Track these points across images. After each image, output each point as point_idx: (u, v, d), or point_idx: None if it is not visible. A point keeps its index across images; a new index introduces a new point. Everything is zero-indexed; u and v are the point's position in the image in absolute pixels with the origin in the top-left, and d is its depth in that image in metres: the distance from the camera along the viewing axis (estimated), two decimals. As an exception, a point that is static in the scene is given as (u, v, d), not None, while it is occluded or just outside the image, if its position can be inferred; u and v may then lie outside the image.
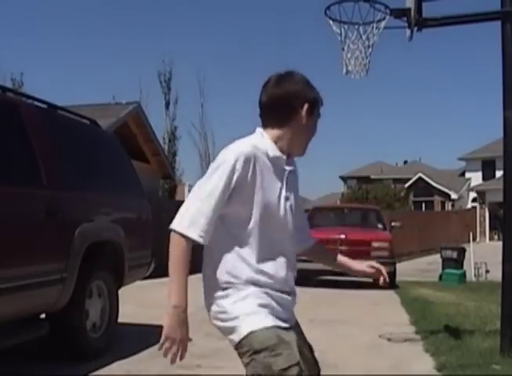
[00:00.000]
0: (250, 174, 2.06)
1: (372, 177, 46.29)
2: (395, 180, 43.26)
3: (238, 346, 2.09)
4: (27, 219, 4.34)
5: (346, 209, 15.27)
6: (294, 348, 2.05)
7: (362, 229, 12.77)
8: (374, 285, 12.49)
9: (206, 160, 30.54)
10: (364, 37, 5.54)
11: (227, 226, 2.10)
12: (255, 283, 2.10)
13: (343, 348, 5.84)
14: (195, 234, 2.02)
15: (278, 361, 2.00)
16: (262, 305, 2.09)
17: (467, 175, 43.21)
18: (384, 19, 5.51)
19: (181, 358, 2.24)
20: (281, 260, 2.17)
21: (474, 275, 14.58)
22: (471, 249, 15.96)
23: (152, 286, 10.17)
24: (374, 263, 2.48)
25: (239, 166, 2.04)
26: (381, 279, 2.44)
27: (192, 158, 39.21)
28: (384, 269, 2.47)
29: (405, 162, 52.90)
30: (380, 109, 77.76)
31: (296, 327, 2.25)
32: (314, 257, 2.63)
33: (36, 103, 5.10)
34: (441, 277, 13.93)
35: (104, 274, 5.27)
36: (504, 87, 5.32)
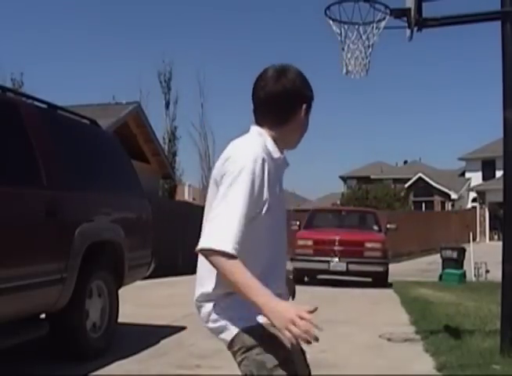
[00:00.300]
0: (265, 177, 1.98)
1: (372, 177, 46.29)
2: (395, 180, 43.26)
3: (230, 345, 2.05)
4: (27, 219, 4.34)
5: (344, 211, 15.74)
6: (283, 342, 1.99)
7: (357, 231, 13.28)
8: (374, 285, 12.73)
9: (206, 160, 30.57)
10: (364, 37, 5.54)
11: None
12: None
13: (343, 348, 5.84)
14: (232, 249, 1.87)
15: (271, 357, 1.96)
16: (249, 306, 1.97)
17: (467, 175, 43.21)
18: (384, 19, 5.51)
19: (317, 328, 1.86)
20: (279, 264, 2.15)
21: (474, 275, 14.59)
22: (471, 249, 15.96)
23: (152, 286, 10.18)
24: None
25: (258, 171, 1.96)
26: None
27: (192, 158, 39.23)
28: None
29: (405, 162, 52.90)
30: (380, 109, 77.80)
31: None
32: None
33: (36, 103, 5.10)
34: (441, 277, 13.94)
35: (104, 274, 5.27)
36: (504, 87, 5.32)
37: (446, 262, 14.57)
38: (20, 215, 4.28)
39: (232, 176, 1.95)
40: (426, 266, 19.00)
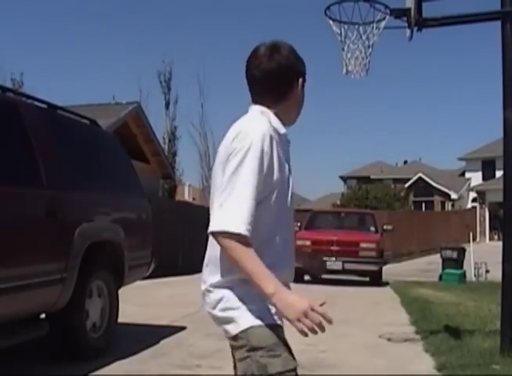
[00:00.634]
0: (274, 155, 1.95)
1: (372, 177, 46.29)
2: (395, 180, 43.26)
3: (234, 338, 1.97)
4: (27, 219, 4.34)
5: (342, 213, 16.33)
6: (291, 353, 1.97)
7: (354, 232, 13.90)
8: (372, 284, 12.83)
9: (206, 160, 30.58)
10: (364, 37, 5.54)
11: None
12: None
13: (343, 348, 5.84)
14: (245, 231, 1.84)
15: (275, 363, 1.90)
16: (264, 303, 1.94)
17: (467, 175, 43.21)
18: (384, 19, 5.50)
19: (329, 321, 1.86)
20: (290, 251, 2.08)
21: (474, 275, 14.59)
22: (471, 249, 15.96)
23: (152, 286, 10.18)
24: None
25: (266, 148, 1.92)
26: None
27: (192, 158, 39.22)
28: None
29: (405, 162, 52.90)
30: (380, 109, 77.79)
31: None
32: None
33: (36, 103, 5.10)
34: (441, 277, 13.94)
35: (104, 274, 5.27)
36: (504, 87, 5.32)
37: (446, 262, 14.57)
38: (20, 215, 4.28)
39: (240, 155, 1.90)
40: (426, 266, 19.00)
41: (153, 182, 19.49)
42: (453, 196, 41.82)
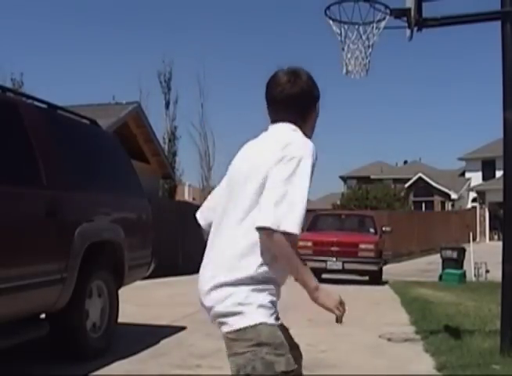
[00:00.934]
0: (314, 170, 2.11)
1: (372, 177, 46.29)
2: (395, 180, 43.26)
3: (239, 331, 2.02)
4: (27, 219, 4.34)
5: (343, 215, 17.04)
6: (299, 350, 2.13)
7: (354, 233, 14.44)
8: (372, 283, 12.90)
9: (206, 160, 30.55)
10: (364, 37, 5.54)
11: None
12: (273, 281, 2.09)
13: (343, 348, 5.84)
14: (299, 231, 2.05)
15: (281, 362, 1.99)
16: (274, 304, 2.09)
17: (467, 175, 43.21)
18: (384, 19, 5.50)
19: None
20: None
21: (474, 275, 14.59)
22: (471, 249, 15.96)
23: (152, 286, 10.18)
24: None
25: (315, 159, 2.11)
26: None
27: (192, 158, 39.20)
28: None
29: (405, 162, 52.91)
30: (380, 109, 77.79)
31: None
32: None
33: (36, 103, 5.10)
34: (441, 277, 13.94)
35: (104, 274, 5.27)
36: (504, 87, 5.32)
37: (446, 262, 14.58)
38: (20, 215, 4.28)
39: (296, 161, 2.05)
40: (426, 266, 19.00)
41: (153, 182, 19.49)
42: (453, 196, 41.82)
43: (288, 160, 2.04)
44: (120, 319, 5.58)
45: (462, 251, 14.94)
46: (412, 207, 39.71)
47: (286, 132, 2.20)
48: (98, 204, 5.32)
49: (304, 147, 2.09)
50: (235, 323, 2.03)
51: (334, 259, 13.25)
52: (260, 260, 2.06)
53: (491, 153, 37.25)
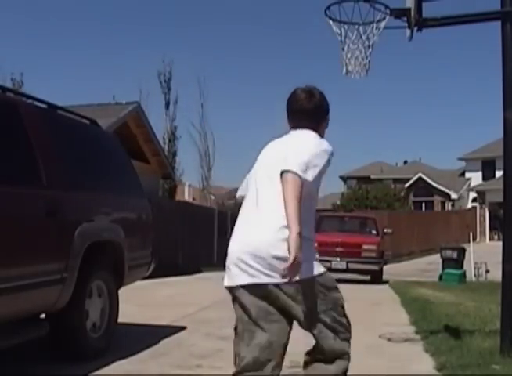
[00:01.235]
0: None
1: (372, 177, 46.28)
2: (395, 180, 43.27)
3: (311, 279, 2.75)
4: (26, 219, 4.34)
5: (346, 217, 18.05)
6: None
7: (357, 234, 15.27)
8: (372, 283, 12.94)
9: (206, 160, 30.57)
10: (364, 37, 5.53)
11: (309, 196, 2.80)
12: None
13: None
14: (308, 177, 2.72)
15: (340, 296, 2.96)
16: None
17: (467, 175, 43.21)
18: (384, 19, 5.50)
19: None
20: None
21: (474, 275, 14.60)
22: (471, 249, 15.98)
23: (152, 286, 10.18)
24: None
25: (331, 157, 2.91)
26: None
27: (192, 158, 39.19)
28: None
29: (405, 162, 52.90)
30: (380, 109, 77.77)
31: None
32: None
33: (36, 103, 5.10)
34: (441, 277, 13.96)
35: (104, 274, 5.27)
36: (504, 87, 5.32)
37: (446, 262, 14.60)
38: (20, 215, 4.27)
39: (318, 146, 2.89)
40: (426, 266, 19.02)
41: (153, 182, 19.50)
42: (453, 196, 41.82)
43: (323, 152, 2.88)
44: (120, 319, 5.58)
45: (462, 251, 14.96)
46: (412, 207, 39.73)
47: (312, 135, 2.96)
48: (98, 204, 5.31)
49: (325, 144, 2.93)
50: (304, 271, 2.73)
51: (338, 259, 13.91)
52: None
53: (491, 153, 37.24)
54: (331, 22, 5.54)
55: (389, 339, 6.30)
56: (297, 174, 2.64)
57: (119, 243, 5.40)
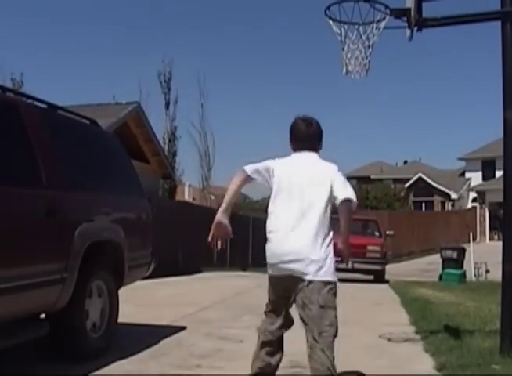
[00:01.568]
0: None
1: (372, 177, 46.30)
2: (395, 180, 43.28)
3: (328, 282, 3.66)
4: (26, 219, 4.34)
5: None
6: None
7: (361, 236, 15.74)
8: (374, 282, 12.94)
9: (206, 160, 30.55)
10: (364, 37, 5.54)
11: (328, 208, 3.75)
12: None
13: (343, 348, 5.82)
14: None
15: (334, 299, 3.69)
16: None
17: (467, 175, 43.21)
18: (384, 19, 5.50)
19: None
20: None
21: (474, 275, 14.61)
22: (471, 249, 15.99)
23: (152, 286, 10.18)
24: None
25: None
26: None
27: (192, 158, 39.17)
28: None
29: (405, 162, 52.91)
30: (380, 109, 77.77)
31: None
32: None
33: (36, 103, 5.09)
34: (441, 277, 13.97)
35: (104, 274, 5.27)
36: (504, 87, 5.32)
37: (446, 262, 14.61)
38: (20, 215, 4.27)
39: (340, 172, 3.76)
40: (426, 266, 19.03)
41: (153, 182, 19.50)
42: (453, 196, 41.83)
43: (340, 175, 3.73)
44: (120, 319, 5.58)
45: (462, 251, 14.97)
46: (412, 207, 39.74)
47: (318, 158, 3.81)
48: (98, 204, 5.31)
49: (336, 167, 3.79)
50: (324, 278, 3.75)
51: None
52: None
53: (491, 153, 37.24)
54: (331, 22, 5.55)
55: (389, 339, 6.30)
56: (353, 201, 3.69)
57: (119, 243, 5.40)
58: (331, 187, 3.61)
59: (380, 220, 20.00)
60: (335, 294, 3.64)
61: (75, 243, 4.65)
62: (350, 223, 3.79)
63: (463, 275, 13.90)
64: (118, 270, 5.46)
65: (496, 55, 5.44)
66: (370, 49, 5.58)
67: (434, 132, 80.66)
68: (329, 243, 3.80)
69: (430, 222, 29.64)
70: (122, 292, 5.66)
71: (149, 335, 6.05)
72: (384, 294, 11.15)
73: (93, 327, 5.06)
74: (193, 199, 31.12)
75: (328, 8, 5.50)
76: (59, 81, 59.67)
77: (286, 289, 3.66)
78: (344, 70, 5.65)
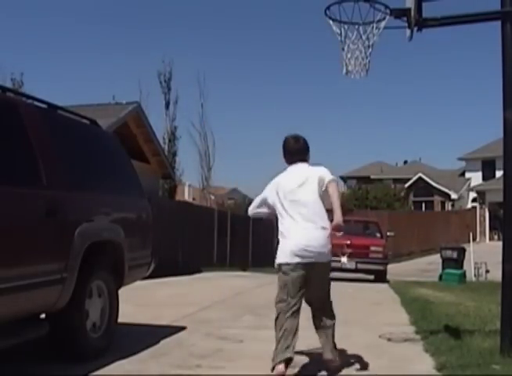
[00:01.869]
0: None
1: (372, 177, 46.30)
2: (395, 180, 43.29)
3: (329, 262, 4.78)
4: (26, 219, 4.34)
5: (352, 221, 18.91)
6: None
7: (363, 237, 16.55)
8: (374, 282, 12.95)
9: (206, 160, 30.56)
10: (364, 37, 5.53)
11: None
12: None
13: (343, 347, 5.83)
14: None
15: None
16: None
17: (467, 175, 43.21)
18: (384, 19, 5.50)
19: None
20: None
21: (474, 275, 14.61)
22: (471, 249, 15.99)
23: (152, 286, 10.17)
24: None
25: None
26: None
27: (192, 158, 39.18)
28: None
29: (405, 162, 52.91)
30: (380, 109, 77.76)
31: None
32: None
33: (36, 103, 5.09)
34: (441, 277, 13.97)
35: (104, 274, 5.26)
36: (504, 87, 5.31)
37: (446, 262, 14.62)
38: (20, 214, 4.27)
39: (328, 172, 4.74)
40: (426, 266, 19.04)
41: (153, 182, 19.50)
42: (453, 196, 41.83)
43: (334, 180, 4.70)
44: (120, 319, 5.58)
45: (462, 251, 14.97)
46: (412, 207, 39.75)
47: (309, 166, 4.77)
48: (98, 204, 5.31)
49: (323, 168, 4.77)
50: (326, 258, 4.77)
51: (348, 259, 15.15)
52: None
53: (491, 153, 37.24)
54: (331, 22, 5.54)
55: (389, 339, 6.29)
56: (336, 181, 4.68)
57: (119, 243, 5.40)
58: (319, 180, 4.64)
59: (380, 220, 20.50)
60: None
61: (75, 243, 4.65)
62: (339, 198, 4.67)
63: (463, 275, 13.90)
64: (118, 270, 5.46)
65: (496, 55, 5.44)
66: (370, 49, 5.58)
67: (434, 132, 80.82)
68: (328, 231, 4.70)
69: (430, 222, 29.64)
70: (122, 292, 5.66)
71: (149, 335, 6.05)
72: (383, 294, 11.15)
73: (93, 327, 5.06)
74: (193, 199, 31.13)
75: (328, 8, 5.50)
76: (59, 81, 59.72)
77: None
78: (344, 70, 5.65)
